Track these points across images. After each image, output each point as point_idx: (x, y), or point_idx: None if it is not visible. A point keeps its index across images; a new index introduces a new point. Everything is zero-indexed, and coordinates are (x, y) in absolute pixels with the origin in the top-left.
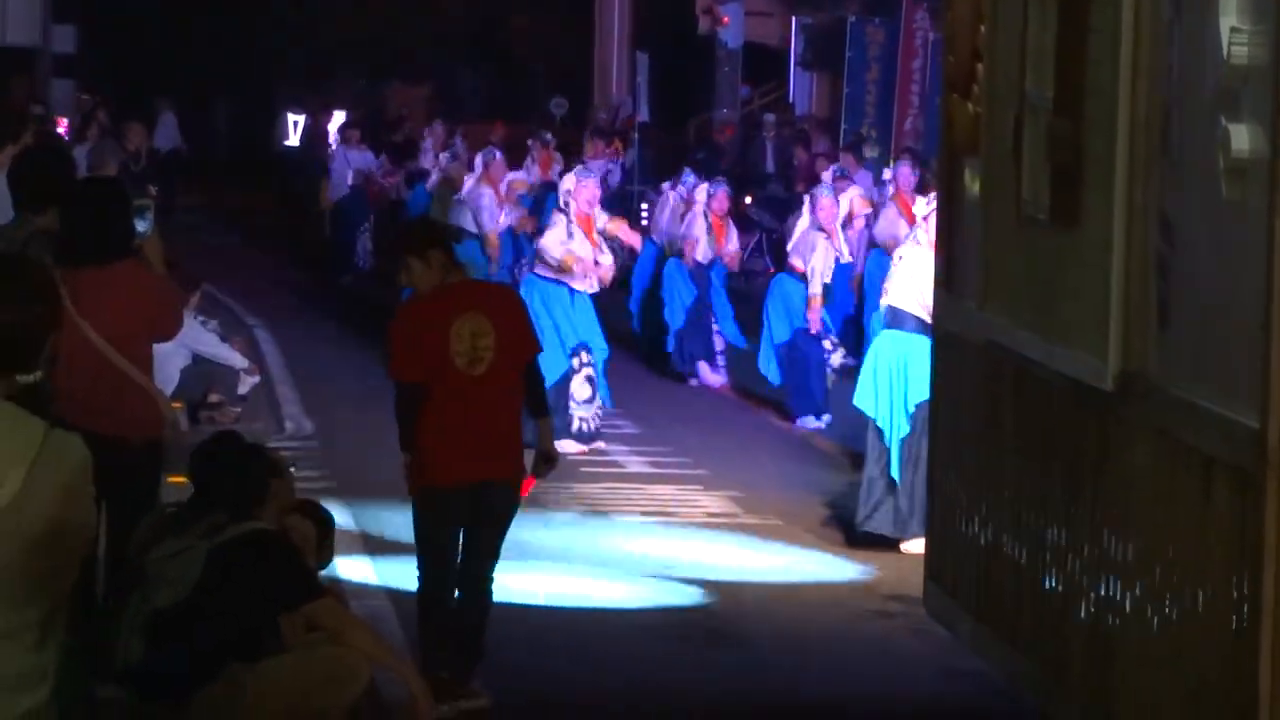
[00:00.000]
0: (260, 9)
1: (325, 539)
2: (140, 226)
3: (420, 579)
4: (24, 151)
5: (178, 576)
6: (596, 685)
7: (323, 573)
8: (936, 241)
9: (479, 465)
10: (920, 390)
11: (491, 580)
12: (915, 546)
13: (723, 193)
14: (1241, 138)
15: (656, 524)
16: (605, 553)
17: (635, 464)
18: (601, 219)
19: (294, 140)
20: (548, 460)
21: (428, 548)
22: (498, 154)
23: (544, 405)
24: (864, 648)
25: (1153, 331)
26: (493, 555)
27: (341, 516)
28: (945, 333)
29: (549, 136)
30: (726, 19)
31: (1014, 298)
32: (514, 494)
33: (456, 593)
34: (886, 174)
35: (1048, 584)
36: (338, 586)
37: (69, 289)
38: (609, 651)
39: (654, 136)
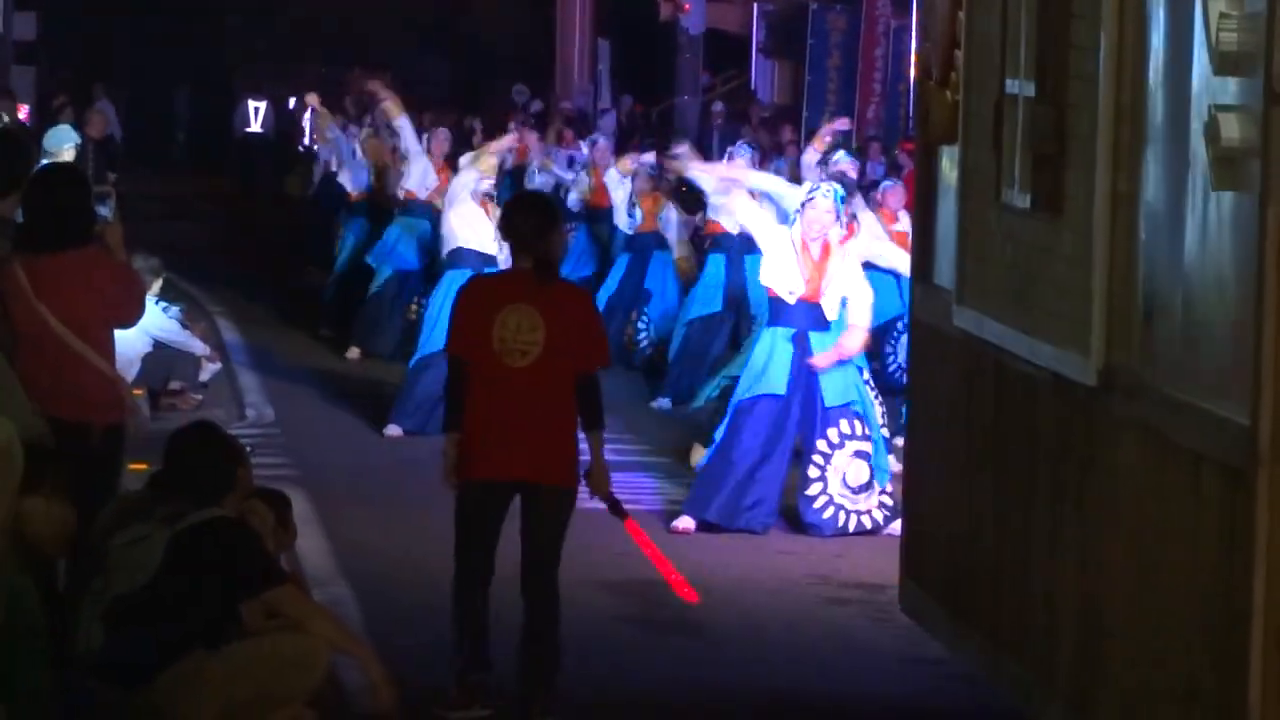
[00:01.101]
0: None
1: (284, 521)
2: (102, 212)
3: (453, 573)
4: None
5: (138, 563)
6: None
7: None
8: (913, 232)
9: (513, 464)
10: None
11: (551, 584)
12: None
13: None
14: (1231, 126)
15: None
16: (564, 541)
17: None
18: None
19: (256, 126)
20: (600, 474)
21: (458, 542)
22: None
23: (600, 418)
24: (823, 635)
25: (1137, 325)
26: (546, 562)
27: (303, 504)
28: (922, 325)
29: (530, 114)
30: (688, 6)
31: (993, 289)
32: (559, 500)
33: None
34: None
35: (1030, 583)
36: (298, 573)
37: (29, 275)
38: (565, 639)
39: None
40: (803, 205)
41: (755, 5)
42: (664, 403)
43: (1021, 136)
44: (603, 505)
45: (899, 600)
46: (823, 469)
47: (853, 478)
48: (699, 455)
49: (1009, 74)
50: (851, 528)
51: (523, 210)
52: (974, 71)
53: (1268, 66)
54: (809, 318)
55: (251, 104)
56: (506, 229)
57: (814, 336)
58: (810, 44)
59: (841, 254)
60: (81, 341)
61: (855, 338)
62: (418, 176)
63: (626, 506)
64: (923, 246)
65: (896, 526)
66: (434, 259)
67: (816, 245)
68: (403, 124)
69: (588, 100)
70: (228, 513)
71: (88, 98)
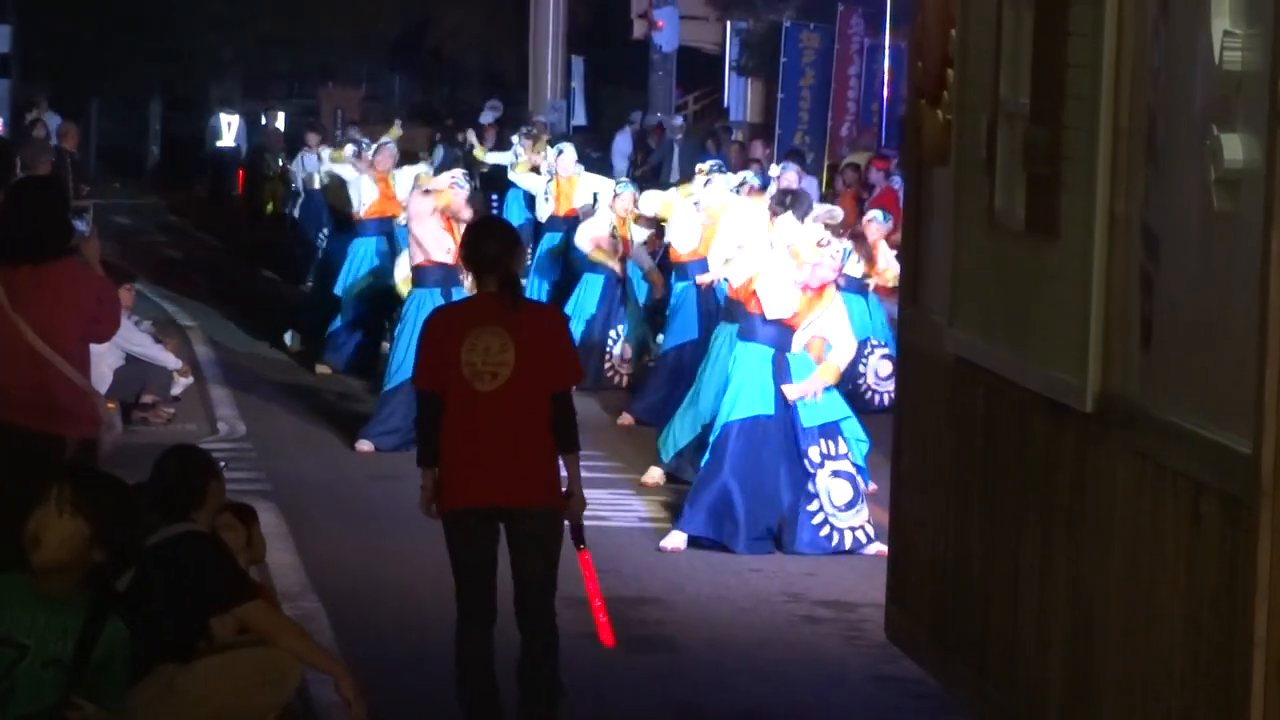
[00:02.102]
0: (195, 8)
1: (251, 532)
2: (79, 226)
3: (457, 609)
4: None
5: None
6: None
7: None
8: (902, 254)
9: (491, 489)
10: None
11: (548, 612)
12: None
13: (629, 194)
14: (1235, 147)
15: (589, 528)
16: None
17: None
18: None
19: (228, 140)
20: (573, 500)
21: (455, 578)
22: (390, 144)
23: (574, 439)
24: (794, 653)
25: (1135, 350)
26: (539, 590)
27: (274, 519)
28: (911, 348)
29: (535, 129)
30: (661, 23)
31: (986, 313)
32: (546, 522)
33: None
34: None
35: (1020, 612)
36: (269, 588)
37: (5, 287)
38: None
39: (589, 141)
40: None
41: (729, 23)
42: (627, 418)
43: (1016, 157)
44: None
45: (884, 627)
46: (815, 491)
47: (837, 496)
48: (654, 476)
49: (1003, 93)
50: (848, 545)
51: (484, 235)
52: (967, 91)
53: (1273, 87)
54: (785, 338)
55: (224, 118)
56: (469, 255)
57: (792, 360)
58: (783, 62)
59: (833, 298)
60: (57, 354)
61: (830, 375)
62: (356, 196)
63: (596, 524)
64: (913, 269)
65: (874, 548)
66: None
67: (806, 289)
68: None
69: (560, 117)
70: (199, 527)
71: (65, 111)
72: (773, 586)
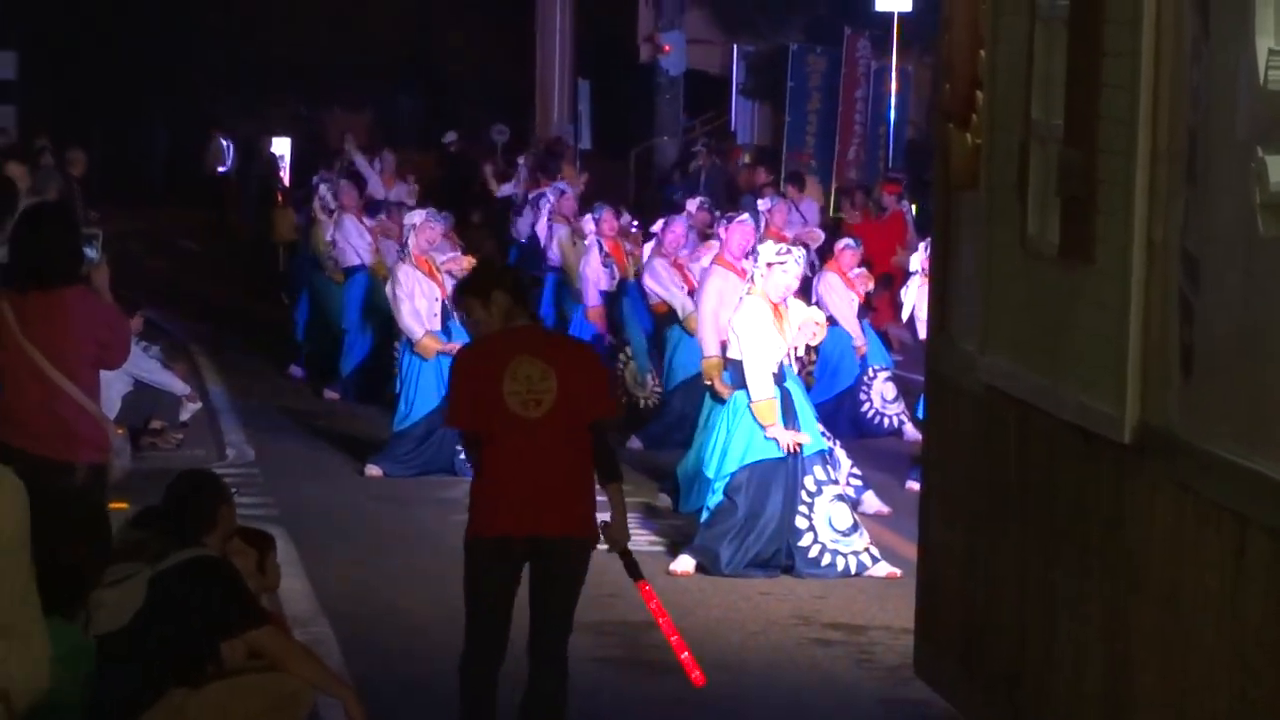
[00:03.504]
0: (198, 33)
1: (265, 560)
2: (89, 254)
3: (464, 640)
4: None
5: (119, 602)
6: None
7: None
8: (930, 280)
9: (530, 518)
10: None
11: (563, 650)
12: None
13: (608, 213)
14: None
15: (599, 553)
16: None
17: None
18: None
19: (226, 165)
20: (618, 529)
21: (469, 609)
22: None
23: (616, 469)
24: (805, 676)
25: (1175, 379)
26: (559, 625)
27: (283, 544)
28: (939, 377)
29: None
30: (668, 47)
31: (1018, 340)
32: (577, 554)
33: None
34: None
35: (1055, 650)
36: (280, 613)
37: (17, 314)
38: None
39: (596, 165)
40: (769, 267)
41: (735, 46)
42: (636, 443)
43: (1049, 181)
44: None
45: (914, 664)
46: (809, 517)
47: (838, 521)
48: (664, 502)
49: (1036, 115)
50: (854, 569)
51: (510, 272)
52: (997, 113)
53: None
54: (781, 371)
55: (225, 142)
56: (507, 290)
57: (792, 387)
58: (790, 86)
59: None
60: (68, 380)
61: (763, 415)
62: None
63: (605, 546)
64: (941, 295)
65: (882, 569)
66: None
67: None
68: None
69: (568, 138)
70: (210, 552)
71: (67, 136)
72: (783, 610)
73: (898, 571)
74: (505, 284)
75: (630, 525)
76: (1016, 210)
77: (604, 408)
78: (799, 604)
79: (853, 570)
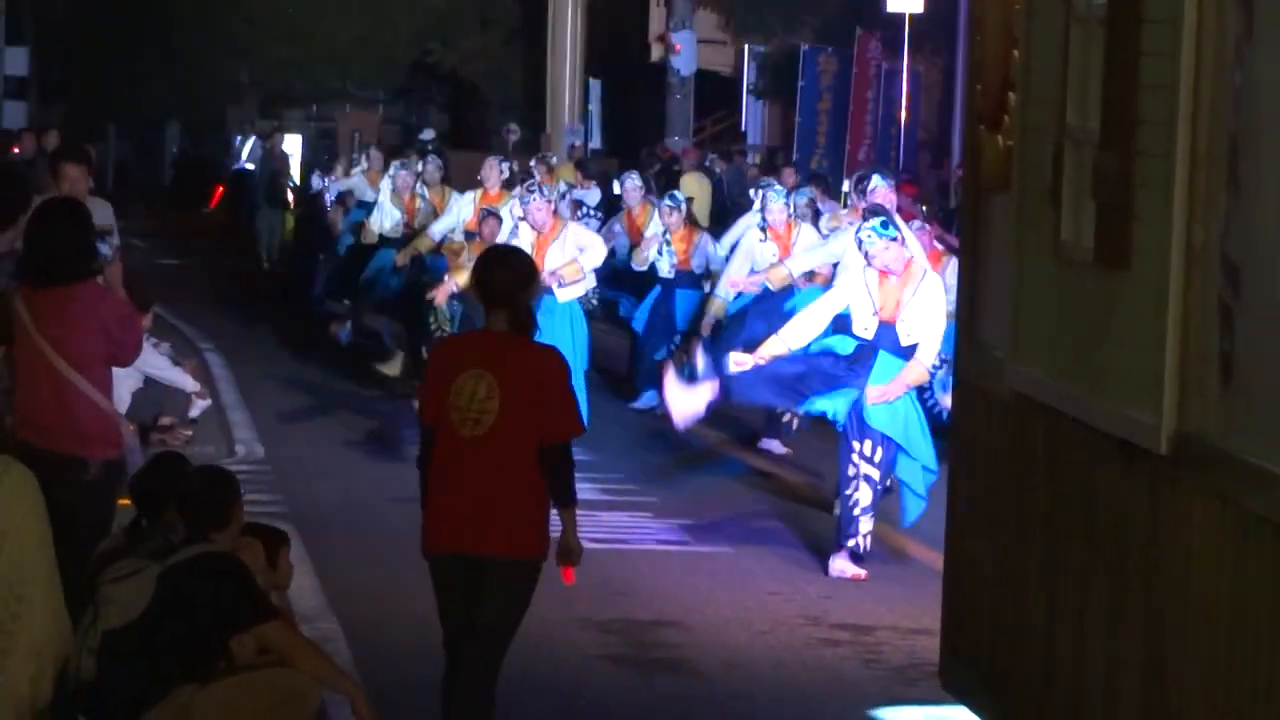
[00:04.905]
0: (211, 31)
1: (279, 557)
2: (103, 250)
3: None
4: None
5: (128, 598)
6: (540, 712)
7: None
8: (960, 285)
9: (466, 537)
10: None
11: (481, 676)
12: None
13: (631, 183)
14: None
15: (607, 551)
16: (554, 579)
17: (586, 491)
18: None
19: (246, 163)
20: (567, 553)
21: (441, 623)
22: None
23: (566, 493)
24: (812, 676)
25: (1214, 387)
26: (484, 644)
27: (292, 541)
28: (967, 385)
29: (553, 159)
30: (679, 46)
31: (1050, 347)
32: (511, 575)
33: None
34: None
35: (1088, 668)
36: (288, 609)
37: (30, 309)
38: (556, 679)
39: (605, 164)
40: (861, 249)
41: (746, 47)
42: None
43: (1084, 184)
44: (588, 547)
45: (940, 678)
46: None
47: (862, 499)
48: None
49: (1070, 117)
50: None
51: (496, 265)
52: (1030, 115)
53: None
54: (885, 338)
55: (242, 141)
56: (479, 285)
57: (882, 355)
58: (801, 86)
59: (916, 285)
60: (80, 376)
61: (915, 373)
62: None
63: (615, 547)
64: (970, 300)
65: (846, 566)
66: None
67: (887, 276)
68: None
69: (577, 139)
70: (218, 547)
71: (77, 132)
72: (791, 609)
73: (862, 573)
74: (481, 280)
75: (637, 524)
76: (1050, 214)
77: (553, 431)
78: (807, 604)
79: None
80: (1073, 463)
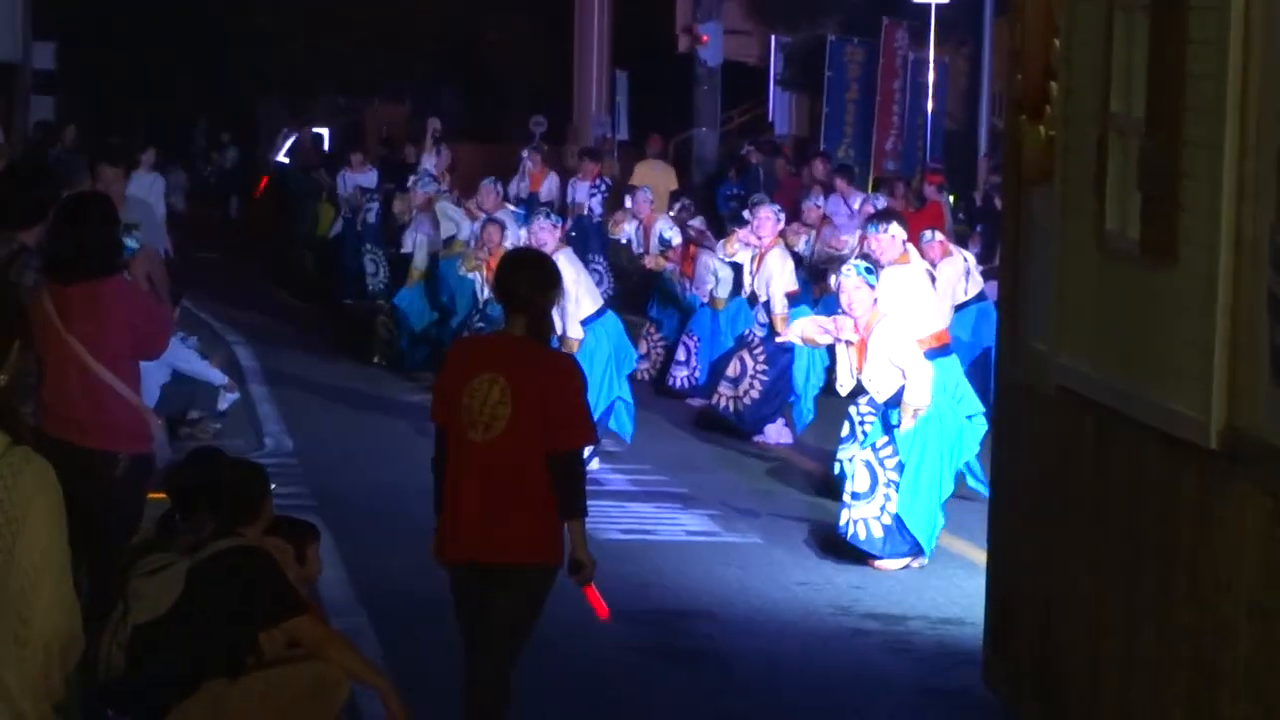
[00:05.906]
0: (238, 26)
1: (307, 550)
2: (129, 244)
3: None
4: (7, 169)
5: (158, 592)
6: (570, 703)
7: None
8: (1001, 278)
9: (476, 546)
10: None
11: (493, 679)
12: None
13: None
14: None
15: (636, 542)
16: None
17: (615, 482)
18: None
19: (282, 157)
20: (577, 568)
21: (458, 628)
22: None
23: (572, 504)
24: (842, 666)
25: (1264, 381)
26: (492, 649)
27: (321, 535)
28: (1010, 378)
29: (545, 148)
30: (706, 38)
31: (1095, 340)
32: (518, 581)
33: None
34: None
35: (1136, 666)
36: (318, 603)
37: (57, 305)
38: (584, 670)
39: (632, 156)
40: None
41: (773, 37)
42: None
43: (1129, 175)
44: (617, 537)
45: (983, 676)
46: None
47: (858, 483)
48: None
49: (1114, 106)
50: (862, 537)
51: (514, 269)
52: (1072, 104)
53: None
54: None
55: (285, 130)
56: (498, 287)
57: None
58: (828, 76)
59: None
60: (108, 371)
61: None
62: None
63: (644, 538)
64: (1012, 295)
65: (890, 564)
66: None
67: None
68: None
69: (605, 130)
70: (248, 541)
71: (104, 125)
72: (821, 599)
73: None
74: (501, 284)
75: (665, 515)
76: (1093, 206)
77: (564, 438)
78: (837, 594)
79: (861, 538)
80: (1120, 458)
